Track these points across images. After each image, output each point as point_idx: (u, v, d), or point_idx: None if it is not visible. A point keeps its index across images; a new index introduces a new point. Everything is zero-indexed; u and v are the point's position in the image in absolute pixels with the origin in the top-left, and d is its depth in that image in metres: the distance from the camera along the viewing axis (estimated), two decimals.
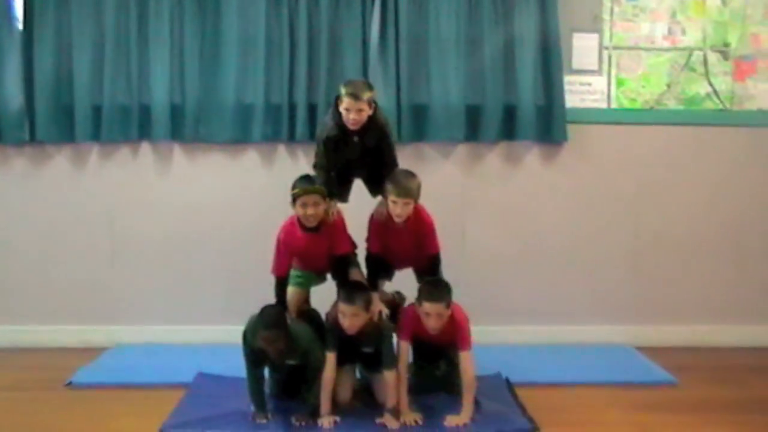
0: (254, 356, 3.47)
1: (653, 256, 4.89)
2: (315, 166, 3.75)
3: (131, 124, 4.67)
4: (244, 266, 4.63)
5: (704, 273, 4.90)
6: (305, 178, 3.61)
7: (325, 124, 3.78)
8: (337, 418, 3.45)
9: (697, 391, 4.01)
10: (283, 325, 3.40)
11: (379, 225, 3.73)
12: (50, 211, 4.77)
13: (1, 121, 4.64)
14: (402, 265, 3.92)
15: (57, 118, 4.67)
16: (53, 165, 4.77)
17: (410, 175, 3.65)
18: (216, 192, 4.78)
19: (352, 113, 3.57)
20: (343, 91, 3.59)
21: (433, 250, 3.78)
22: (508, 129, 4.75)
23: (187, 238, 4.79)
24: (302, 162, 4.57)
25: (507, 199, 4.84)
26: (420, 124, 4.71)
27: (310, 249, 3.67)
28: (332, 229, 3.67)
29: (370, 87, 3.67)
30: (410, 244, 3.75)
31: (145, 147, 4.77)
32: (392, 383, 3.47)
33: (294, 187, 3.57)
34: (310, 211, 3.54)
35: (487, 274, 4.80)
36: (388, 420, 3.43)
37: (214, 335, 4.59)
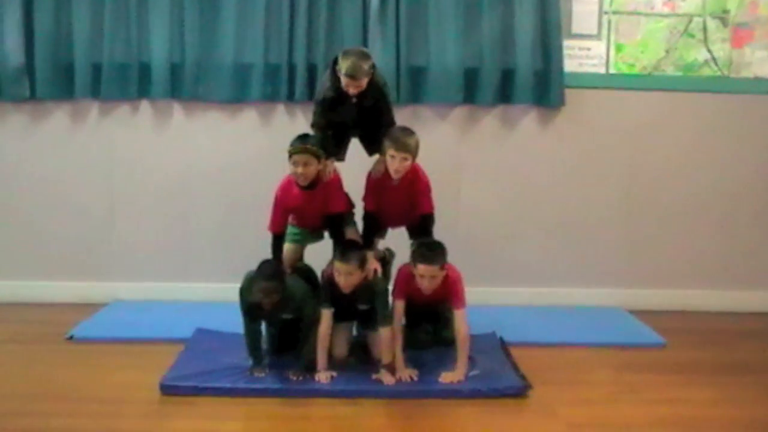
0: (250, 310, 3.54)
1: (646, 221, 4.94)
2: (312, 126, 3.78)
3: (130, 82, 4.67)
4: (242, 224, 4.68)
5: (696, 239, 4.96)
6: (301, 137, 3.64)
7: (322, 84, 3.79)
8: (334, 374, 3.53)
9: (684, 353, 4.09)
10: (280, 278, 3.47)
11: (375, 182, 3.77)
12: (49, 168, 4.80)
13: (1, 78, 4.64)
14: (396, 223, 3.96)
15: (56, 76, 4.66)
16: (53, 122, 4.78)
17: (409, 131, 3.68)
18: (214, 150, 4.80)
19: (351, 88, 3.60)
20: (342, 67, 3.56)
21: (427, 209, 3.80)
22: (506, 92, 4.76)
23: (185, 196, 4.83)
24: (301, 122, 4.58)
25: (503, 162, 4.87)
26: (418, 86, 4.72)
27: (306, 206, 3.72)
28: (328, 187, 3.71)
29: (367, 57, 3.64)
30: (405, 202, 3.79)
31: (144, 105, 4.77)
32: (387, 340, 3.54)
33: (290, 145, 3.61)
34: (300, 170, 3.57)
35: (481, 236, 4.86)
36: (384, 376, 3.51)
37: (212, 292, 4.65)
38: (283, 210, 3.73)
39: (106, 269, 4.86)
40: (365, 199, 3.83)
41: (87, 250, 4.86)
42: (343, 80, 3.58)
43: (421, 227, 3.83)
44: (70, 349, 4.00)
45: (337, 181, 3.77)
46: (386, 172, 3.68)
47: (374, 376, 3.52)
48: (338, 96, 3.68)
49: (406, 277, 3.60)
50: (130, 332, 4.20)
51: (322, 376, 3.49)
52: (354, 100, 3.67)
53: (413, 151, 3.63)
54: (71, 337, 4.11)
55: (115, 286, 4.84)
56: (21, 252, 4.85)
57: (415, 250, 3.58)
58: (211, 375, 3.51)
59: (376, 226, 3.85)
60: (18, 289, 4.80)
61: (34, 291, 4.80)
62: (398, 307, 3.63)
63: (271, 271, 3.46)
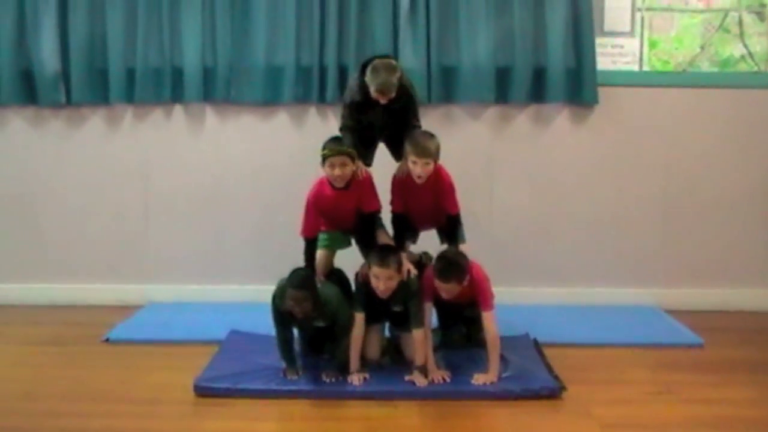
0: (282, 318, 3.54)
1: (683, 220, 4.87)
2: (342, 129, 3.79)
3: (164, 86, 4.73)
4: (276, 226, 4.70)
5: (733, 236, 4.87)
6: (335, 140, 3.65)
7: (350, 88, 3.80)
8: (367, 375, 3.52)
9: (722, 353, 4.02)
10: (312, 287, 3.45)
11: (400, 183, 3.76)
12: (86, 172, 4.87)
13: (38, 84, 4.72)
14: (424, 224, 3.95)
15: (92, 81, 4.73)
16: (88, 126, 4.85)
17: (429, 135, 3.66)
18: (247, 153, 4.83)
19: (382, 99, 3.61)
20: (372, 83, 3.56)
21: (452, 209, 3.78)
22: (538, 91, 4.72)
23: (218, 199, 4.87)
24: (332, 123, 4.57)
25: (536, 161, 4.84)
26: (449, 86, 4.71)
27: (340, 206, 3.72)
28: (361, 186, 3.71)
29: (395, 69, 3.61)
30: (430, 202, 3.77)
31: (178, 109, 4.82)
32: (421, 341, 3.52)
33: (324, 147, 3.62)
34: (337, 171, 3.58)
35: (515, 235, 4.83)
36: (417, 377, 3.49)
37: (245, 294, 4.68)
38: (316, 212, 3.73)
39: (142, 272, 4.92)
40: (393, 201, 3.83)
41: (123, 254, 4.92)
42: (373, 93, 3.59)
43: (448, 229, 3.82)
44: (107, 351, 4.05)
45: (369, 180, 3.77)
46: (410, 173, 3.67)
47: (407, 378, 3.51)
48: (366, 100, 3.68)
49: (432, 279, 3.58)
50: (165, 334, 4.24)
51: (355, 378, 3.49)
52: (382, 103, 3.66)
53: (434, 156, 3.62)
54: (107, 340, 4.17)
55: (151, 288, 4.89)
56: (58, 255, 4.92)
57: (435, 262, 3.56)
58: (245, 376, 3.52)
59: (405, 227, 3.84)
60: (56, 292, 4.88)
61: (71, 294, 4.87)
62: (426, 308, 3.62)
63: (301, 279, 3.44)
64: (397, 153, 3.86)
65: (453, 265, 3.51)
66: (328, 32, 4.64)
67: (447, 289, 3.50)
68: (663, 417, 3.25)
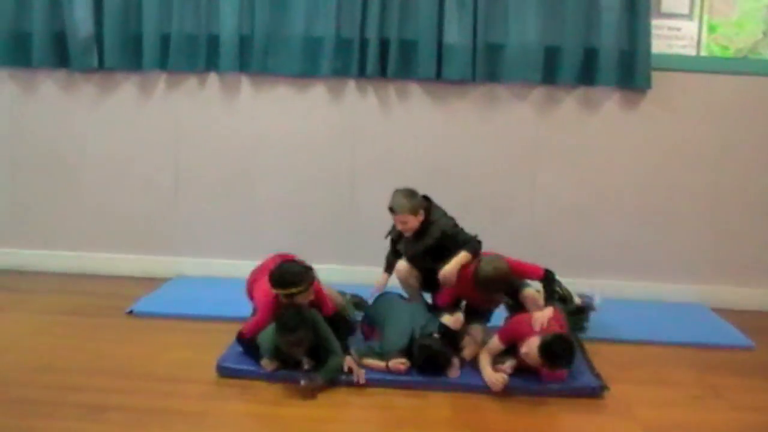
0: (276, 353, 3.35)
1: (734, 214, 4.68)
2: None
3: (198, 54, 4.62)
4: (308, 201, 4.60)
5: None
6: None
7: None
8: (404, 361, 3.35)
9: None
10: (306, 326, 3.27)
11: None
12: (117, 139, 4.79)
13: (71, 48, 4.64)
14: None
15: (125, 46, 4.64)
16: (121, 92, 4.76)
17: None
18: (281, 125, 4.71)
19: (398, 224, 3.68)
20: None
21: (536, 275, 3.65)
22: (588, 73, 4.54)
23: (250, 171, 4.76)
24: (371, 99, 4.48)
25: (583, 147, 4.66)
26: (495, 64, 4.54)
27: None
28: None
29: (413, 195, 3.62)
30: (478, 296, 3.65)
31: (212, 78, 4.72)
32: (478, 336, 3.50)
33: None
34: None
35: (557, 223, 4.69)
36: (450, 369, 3.37)
37: None
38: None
39: (170, 244, 4.84)
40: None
41: (152, 224, 4.84)
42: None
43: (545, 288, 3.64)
44: (131, 324, 3.98)
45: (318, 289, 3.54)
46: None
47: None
48: (399, 235, 3.77)
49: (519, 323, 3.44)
50: (190, 309, 4.16)
51: (399, 364, 3.33)
52: (405, 234, 3.70)
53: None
54: (131, 312, 4.09)
55: (179, 260, 4.81)
56: (87, 223, 4.85)
57: (544, 354, 3.25)
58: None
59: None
60: (81, 261, 4.82)
61: (96, 263, 4.82)
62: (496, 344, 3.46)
63: (294, 321, 3.25)
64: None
65: (561, 356, 3.28)
66: (370, 4, 4.49)
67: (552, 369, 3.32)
68: (709, 422, 3.12)
